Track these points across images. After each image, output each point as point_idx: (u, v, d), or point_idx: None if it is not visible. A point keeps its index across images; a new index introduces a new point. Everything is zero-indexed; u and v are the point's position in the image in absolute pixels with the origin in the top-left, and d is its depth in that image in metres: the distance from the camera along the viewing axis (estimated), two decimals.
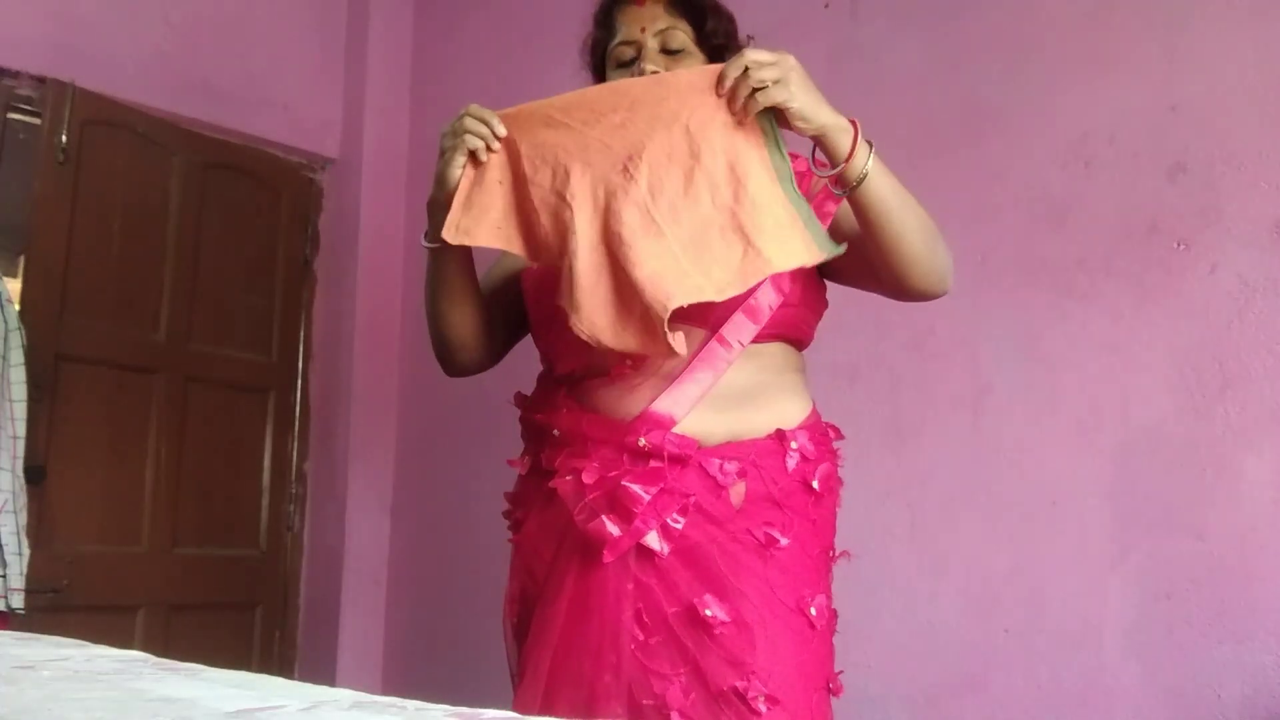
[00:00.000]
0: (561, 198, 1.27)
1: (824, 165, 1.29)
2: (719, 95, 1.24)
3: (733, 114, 1.24)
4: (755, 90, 1.21)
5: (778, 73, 1.21)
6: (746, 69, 1.21)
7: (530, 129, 1.30)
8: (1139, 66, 1.96)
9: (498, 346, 1.55)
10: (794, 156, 1.30)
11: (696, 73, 1.28)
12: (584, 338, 1.25)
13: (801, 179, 1.39)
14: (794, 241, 1.23)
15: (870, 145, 1.27)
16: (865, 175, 1.26)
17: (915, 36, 2.27)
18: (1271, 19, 1.83)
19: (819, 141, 1.26)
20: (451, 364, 1.52)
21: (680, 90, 1.26)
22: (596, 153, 1.27)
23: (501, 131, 1.30)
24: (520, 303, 1.51)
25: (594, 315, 1.24)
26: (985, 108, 2.14)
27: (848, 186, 1.28)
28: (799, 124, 1.24)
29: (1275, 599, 1.73)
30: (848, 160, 1.25)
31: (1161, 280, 1.90)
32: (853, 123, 1.26)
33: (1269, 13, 1.84)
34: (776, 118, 1.24)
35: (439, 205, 1.34)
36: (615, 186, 1.26)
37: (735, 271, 1.23)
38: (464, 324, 1.47)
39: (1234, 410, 1.80)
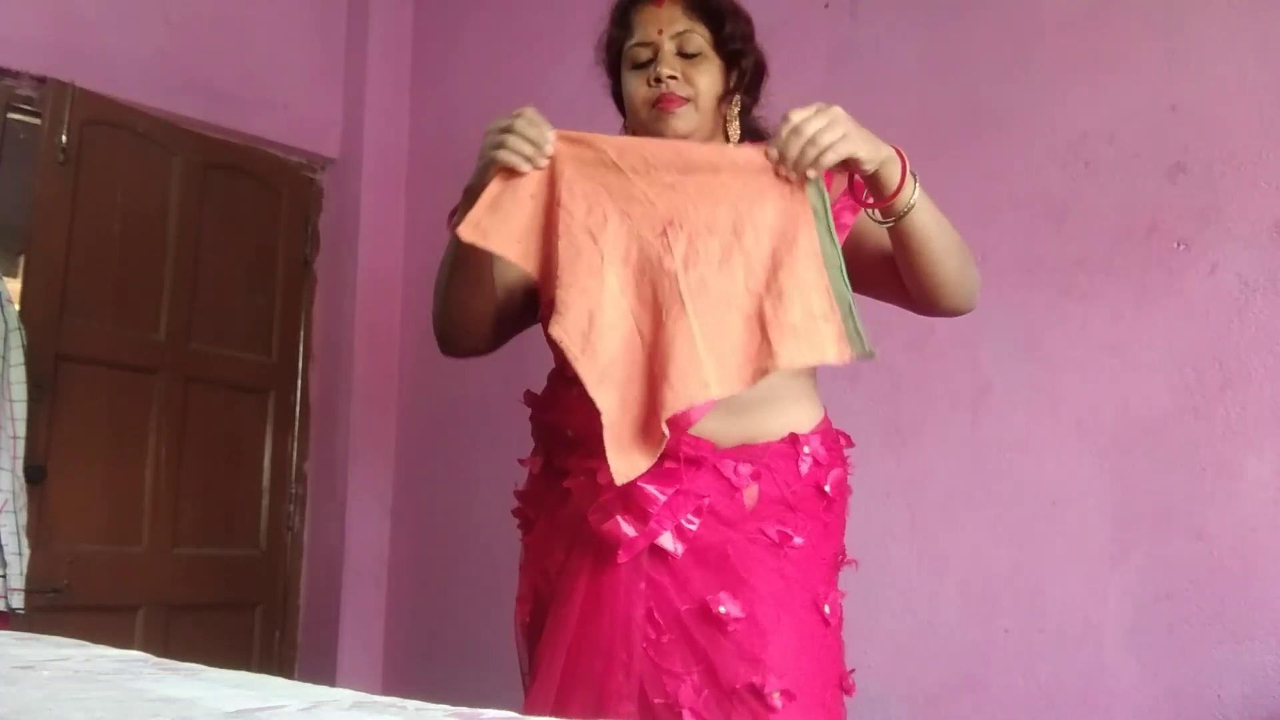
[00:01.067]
0: (592, 238, 1.26)
1: (861, 191, 1.29)
2: (778, 174, 1.23)
3: (793, 179, 1.23)
4: (826, 150, 1.20)
5: (840, 130, 1.20)
6: (810, 139, 1.20)
7: (580, 157, 1.29)
8: (1139, 66, 1.96)
9: (500, 335, 1.53)
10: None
11: (755, 150, 1.27)
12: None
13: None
14: (822, 335, 1.22)
15: (915, 176, 1.27)
16: (912, 206, 1.27)
17: (915, 36, 2.26)
18: (1271, 19, 1.83)
19: (872, 177, 1.26)
20: (451, 345, 1.51)
21: (737, 165, 1.26)
22: (639, 205, 1.27)
23: (549, 152, 1.27)
24: (528, 297, 1.51)
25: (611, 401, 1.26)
26: (985, 108, 2.14)
27: (894, 216, 1.28)
28: (865, 169, 1.24)
29: (1275, 599, 1.73)
30: (897, 192, 1.25)
31: (1161, 280, 1.90)
32: (899, 154, 1.26)
33: (1269, 13, 1.84)
34: (839, 166, 1.24)
35: (475, 193, 1.32)
36: (651, 252, 1.26)
37: (746, 364, 1.23)
38: (472, 309, 1.46)
39: (1234, 410, 1.80)
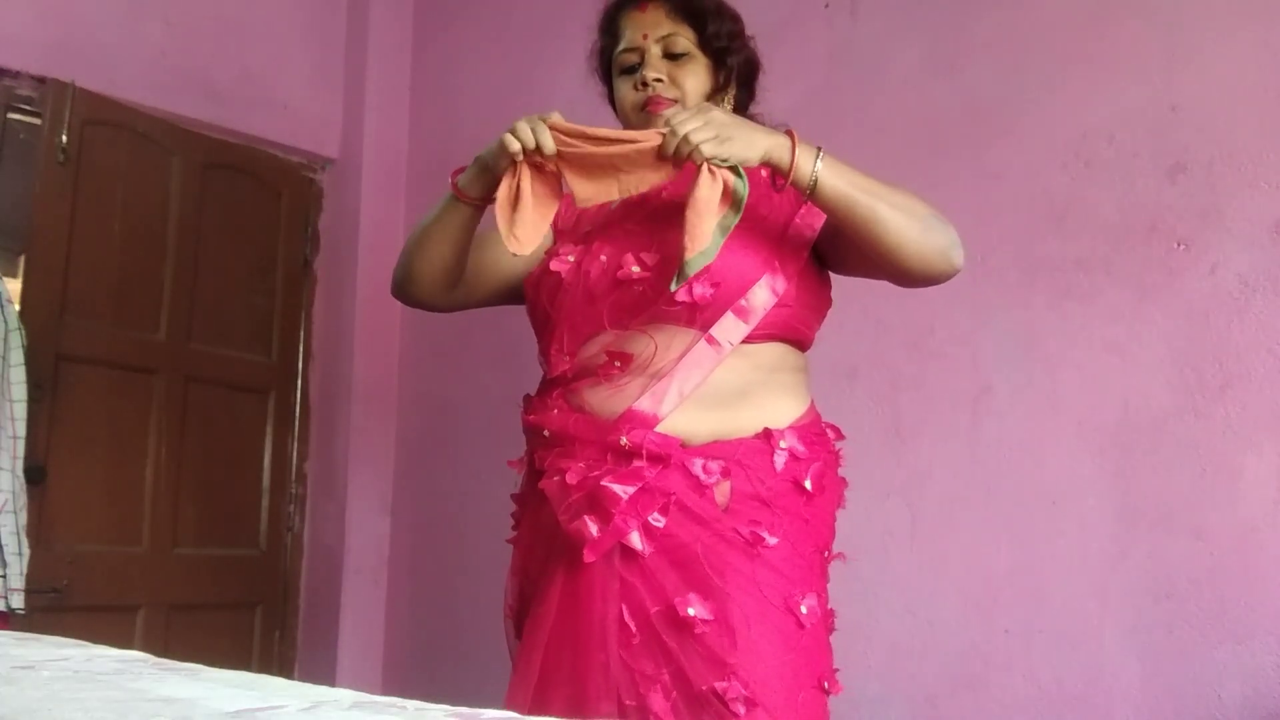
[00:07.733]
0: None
1: (781, 182, 1.33)
2: (674, 166, 1.28)
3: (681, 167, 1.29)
4: (696, 147, 1.26)
5: (711, 131, 1.26)
6: (683, 137, 1.25)
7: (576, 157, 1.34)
8: (1139, 66, 1.96)
9: (453, 299, 1.56)
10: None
11: (645, 134, 1.32)
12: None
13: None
14: (695, 231, 1.27)
15: (818, 150, 1.31)
16: (815, 180, 1.30)
17: (915, 36, 2.27)
18: (1271, 19, 1.83)
19: (767, 166, 1.31)
20: (404, 290, 1.54)
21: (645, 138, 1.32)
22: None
23: (550, 150, 1.31)
24: (494, 282, 1.55)
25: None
26: (985, 108, 2.14)
27: (804, 193, 1.32)
28: (744, 165, 1.28)
29: (1275, 599, 1.73)
30: (789, 173, 1.30)
31: (1161, 280, 1.90)
32: (789, 135, 1.30)
33: (1269, 13, 1.84)
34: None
35: (484, 166, 1.37)
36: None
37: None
38: (439, 266, 1.48)
39: (1234, 410, 1.80)
